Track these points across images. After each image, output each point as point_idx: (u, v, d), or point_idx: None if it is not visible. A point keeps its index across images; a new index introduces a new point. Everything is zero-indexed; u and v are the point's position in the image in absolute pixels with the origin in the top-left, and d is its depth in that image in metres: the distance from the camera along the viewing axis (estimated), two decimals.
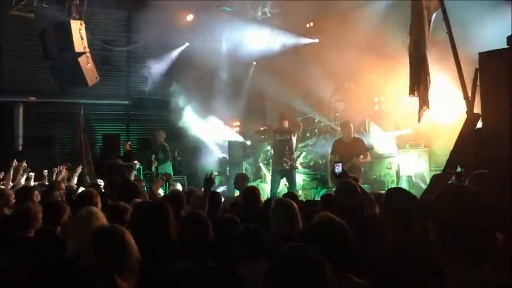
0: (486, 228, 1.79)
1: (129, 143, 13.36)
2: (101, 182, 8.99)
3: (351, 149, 9.07)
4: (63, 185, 6.76)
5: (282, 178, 10.15)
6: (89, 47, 10.08)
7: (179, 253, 2.71)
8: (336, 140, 9.69)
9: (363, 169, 9.50)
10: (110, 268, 2.13)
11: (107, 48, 13.79)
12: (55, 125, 13.71)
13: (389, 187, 9.66)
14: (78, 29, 9.74)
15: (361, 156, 9.04)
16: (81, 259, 2.67)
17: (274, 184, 10.12)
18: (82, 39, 9.83)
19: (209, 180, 4.85)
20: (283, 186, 10.71)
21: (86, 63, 10.01)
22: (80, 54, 9.83)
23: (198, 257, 2.65)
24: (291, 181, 9.98)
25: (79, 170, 9.36)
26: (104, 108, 14.41)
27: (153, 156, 12.46)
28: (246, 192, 5.47)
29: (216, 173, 12.73)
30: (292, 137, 10.15)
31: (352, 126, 9.45)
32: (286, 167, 9.92)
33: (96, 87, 10.80)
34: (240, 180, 7.29)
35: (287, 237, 3.07)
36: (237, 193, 7.98)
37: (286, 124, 10.18)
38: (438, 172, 5.91)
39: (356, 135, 9.61)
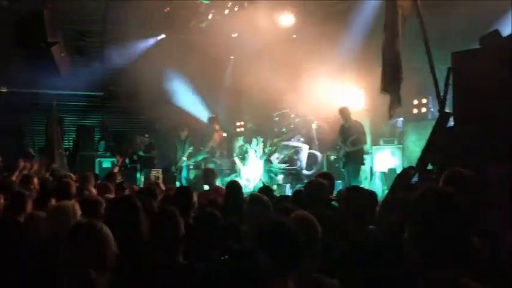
0: (462, 232, 1.80)
1: (147, 135, 13.13)
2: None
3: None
4: (35, 179, 6.63)
5: None
6: (62, 37, 9.89)
7: (151, 249, 2.68)
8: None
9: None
10: (86, 263, 2.09)
11: (82, 38, 13.53)
12: (27, 116, 13.43)
13: (362, 183, 9.78)
14: (51, 19, 9.54)
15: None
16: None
17: None
18: (55, 28, 9.64)
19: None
20: (258, 180, 10.74)
21: (59, 53, 9.81)
22: (53, 43, 9.63)
23: (168, 254, 2.63)
24: None
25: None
26: (78, 99, 14.17)
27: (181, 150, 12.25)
28: (229, 186, 5.47)
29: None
30: None
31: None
32: None
33: (70, 77, 10.61)
34: (209, 175, 7.24)
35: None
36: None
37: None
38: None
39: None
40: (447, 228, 1.79)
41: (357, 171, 9.57)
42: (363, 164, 9.89)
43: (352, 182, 9.22)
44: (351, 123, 9.75)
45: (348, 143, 9.55)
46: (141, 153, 12.84)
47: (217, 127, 12.47)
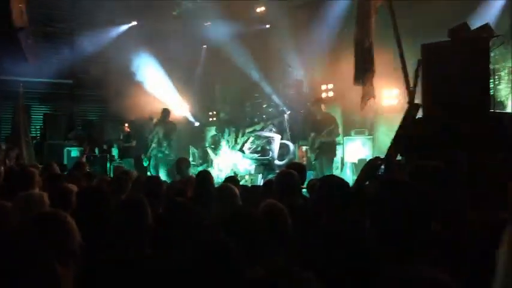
0: (422, 223, 1.82)
1: (127, 124, 12.88)
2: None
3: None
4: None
5: None
6: (30, 22, 9.61)
7: (115, 240, 2.63)
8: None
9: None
10: (49, 253, 2.03)
11: (50, 24, 13.19)
12: None
13: (333, 174, 9.87)
14: (18, 3, 9.25)
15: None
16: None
17: None
18: (22, 13, 9.36)
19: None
20: (230, 171, 10.72)
21: (26, 39, 9.55)
22: (20, 29, 9.36)
23: (135, 244, 2.59)
24: None
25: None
26: (46, 87, 13.82)
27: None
28: (199, 176, 5.43)
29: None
30: None
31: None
32: None
33: (38, 64, 10.35)
34: (182, 165, 7.18)
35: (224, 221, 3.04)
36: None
37: None
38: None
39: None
40: (403, 219, 1.79)
41: (329, 163, 9.63)
42: (335, 156, 9.97)
43: (325, 173, 9.29)
44: (323, 116, 9.80)
45: (324, 133, 9.55)
46: (120, 143, 12.58)
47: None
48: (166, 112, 12.02)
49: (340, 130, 10.75)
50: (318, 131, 9.59)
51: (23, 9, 9.35)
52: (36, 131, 13.31)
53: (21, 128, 11.79)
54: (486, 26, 5.35)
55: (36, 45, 9.89)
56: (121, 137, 13.09)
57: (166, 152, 11.78)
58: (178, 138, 13.61)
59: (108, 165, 12.59)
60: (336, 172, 10.31)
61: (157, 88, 13.83)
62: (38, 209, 3.13)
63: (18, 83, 12.29)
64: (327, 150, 9.61)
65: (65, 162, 11.47)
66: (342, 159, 10.70)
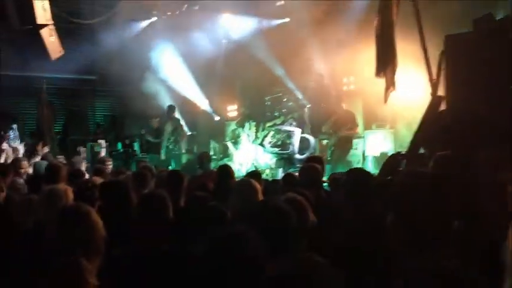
0: (443, 216, 1.78)
1: (158, 119, 13.03)
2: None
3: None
4: (24, 163, 6.61)
5: None
6: (52, 19, 9.71)
7: (136, 234, 2.65)
8: None
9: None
10: (74, 248, 2.05)
11: (72, 21, 13.32)
12: (16, 100, 13.29)
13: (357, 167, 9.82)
14: (40, 0, 9.36)
15: None
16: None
17: None
18: (45, 10, 9.46)
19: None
20: (250, 165, 10.73)
21: (49, 36, 9.65)
22: (43, 26, 9.47)
23: (157, 238, 2.60)
24: None
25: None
26: (68, 83, 14.01)
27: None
28: (220, 170, 5.44)
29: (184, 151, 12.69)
30: None
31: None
32: None
33: (60, 61, 10.45)
34: (203, 159, 7.23)
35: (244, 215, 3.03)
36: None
37: None
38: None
39: None
40: (425, 214, 1.76)
41: (343, 155, 9.61)
42: (350, 149, 10.00)
43: (338, 166, 9.26)
44: (343, 112, 9.80)
45: (343, 129, 9.60)
46: (150, 138, 12.67)
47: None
48: (171, 108, 12.12)
49: (361, 123, 10.69)
50: (336, 127, 9.60)
51: (46, 6, 9.46)
52: (59, 126, 13.51)
53: (45, 124, 11.99)
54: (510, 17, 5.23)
55: (59, 42, 9.96)
56: (142, 132, 13.20)
57: (171, 147, 11.92)
58: (198, 133, 13.70)
59: (130, 160, 12.73)
60: (357, 166, 10.24)
61: (179, 83, 13.89)
62: (62, 203, 3.18)
63: (41, 79, 12.48)
64: (343, 142, 9.62)
65: (88, 157, 11.62)
66: (363, 152, 10.63)
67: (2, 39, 10.93)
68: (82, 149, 7.76)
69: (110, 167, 7.60)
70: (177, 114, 12.65)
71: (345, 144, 9.65)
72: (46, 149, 8.84)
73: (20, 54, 10.34)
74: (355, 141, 10.72)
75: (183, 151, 12.35)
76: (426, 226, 1.76)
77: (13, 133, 10.29)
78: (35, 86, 12.64)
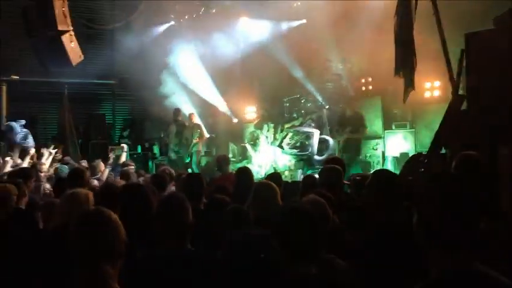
0: (470, 218, 1.76)
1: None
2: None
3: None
4: (44, 167, 6.71)
5: None
6: (72, 25, 9.85)
7: (156, 237, 2.66)
8: None
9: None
10: (96, 253, 2.04)
11: (91, 26, 13.52)
12: (39, 105, 13.52)
13: (375, 168, 9.74)
14: (61, 6, 9.51)
15: None
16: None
17: None
18: (65, 17, 9.60)
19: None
20: (269, 167, 10.72)
21: (70, 42, 9.78)
22: (63, 32, 9.61)
23: (174, 242, 2.61)
24: None
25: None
26: (89, 87, 14.20)
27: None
28: (239, 172, 5.45)
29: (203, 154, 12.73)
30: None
31: None
32: None
33: (80, 66, 10.60)
34: (221, 161, 7.24)
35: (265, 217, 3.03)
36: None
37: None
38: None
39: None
40: (453, 213, 1.74)
41: (351, 160, 9.55)
42: (359, 155, 9.96)
43: (351, 171, 9.24)
44: (352, 113, 9.75)
45: (347, 131, 9.62)
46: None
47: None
48: (175, 112, 12.20)
49: (380, 124, 10.62)
50: (343, 127, 9.60)
51: (66, 13, 9.60)
52: (81, 131, 13.68)
53: (67, 128, 12.16)
54: None
55: (79, 48, 10.10)
56: (161, 135, 13.30)
57: (176, 149, 12.02)
58: (217, 135, 13.74)
59: (150, 163, 12.83)
60: (378, 166, 10.18)
61: (197, 86, 13.95)
62: (84, 207, 3.21)
63: (62, 84, 12.68)
64: (350, 145, 9.60)
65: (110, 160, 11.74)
66: (383, 153, 10.54)
67: (24, 46, 11.11)
68: (111, 155, 7.84)
69: (133, 170, 7.67)
70: (197, 118, 12.72)
71: (352, 146, 9.61)
72: (58, 155, 8.89)
73: (42, 60, 10.47)
74: (374, 141, 10.64)
75: (190, 153, 12.36)
76: (451, 227, 1.74)
77: (20, 130, 10.29)
78: (56, 91, 12.84)
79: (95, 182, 6.27)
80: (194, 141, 12.02)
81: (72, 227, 2.09)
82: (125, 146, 9.88)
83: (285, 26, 12.87)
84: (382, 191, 3.10)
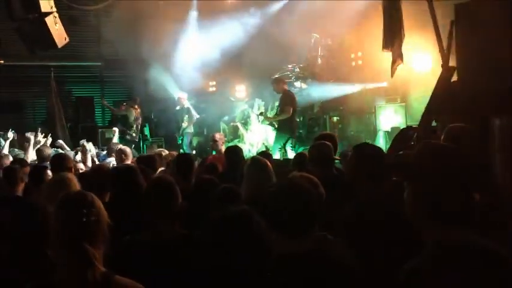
0: (465, 189, 1.75)
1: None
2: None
3: None
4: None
5: None
6: (56, 6, 9.64)
7: (145, 220, 2.64)
8: None
9: None
10: (79, 236, 2.02)
11: (75, 7, 13.23)
12: (25, 89, 13.34)
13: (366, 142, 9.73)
14: None
15: None
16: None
17: None
18: None
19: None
20: (261, 145, 10.68)
21: (54, 24, 9.59)
22: (47, 14, 9.41)
23: (166, 223, 2.59)
24: None
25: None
26: (75, 70, 14.02)
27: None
28: (228, 151, 5.41)
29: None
30: None
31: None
32: None
33: (66, 48, 10.41)
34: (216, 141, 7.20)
35: (258, 196, 3.00)
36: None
37: None
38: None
39: None
40: (445, 185, 1.73)
41: (278, 140, 9.46)
42: (287, 134, 9.55)
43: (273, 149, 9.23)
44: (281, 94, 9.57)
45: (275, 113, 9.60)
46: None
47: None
48: (134, 99, 12.71)
49: (371, 99, 10.60)
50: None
51: None
52: (69, 114, 13.55)
53: (56, 112, 12.03)
54: None
55: (64, 30, 9.90)
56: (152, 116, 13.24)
57: (134, 134, 12.22)
58: (208, 115, 13.66)
59: (141, 144, 12.78)
60: (369, 141, 10.16)
61: (186, 66, 13.77)
62: (66, 190, 3.16)
63: (48, 68, 12.49)
64: (279, 127, 9.50)
65: (100, 144, 11.67)
66: (375, 127, 10.53)
67: (7, 30, 10.90)
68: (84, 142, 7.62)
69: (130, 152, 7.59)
70: (185, 101, 12.69)
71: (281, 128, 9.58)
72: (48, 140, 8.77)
73: (26, 43, 10.28)
74: (366, 116, 10.63)
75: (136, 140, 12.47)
76: (447, 198, 1.73)
77: None
78: (42, 75, 12.65)
79: (81, 165, 6.24)
80: (183, 125, 12.01)
81: (55, 209, 2.06)
82: (116, 129, 9.80)
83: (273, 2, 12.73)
84: (359, 166, 3.05)
